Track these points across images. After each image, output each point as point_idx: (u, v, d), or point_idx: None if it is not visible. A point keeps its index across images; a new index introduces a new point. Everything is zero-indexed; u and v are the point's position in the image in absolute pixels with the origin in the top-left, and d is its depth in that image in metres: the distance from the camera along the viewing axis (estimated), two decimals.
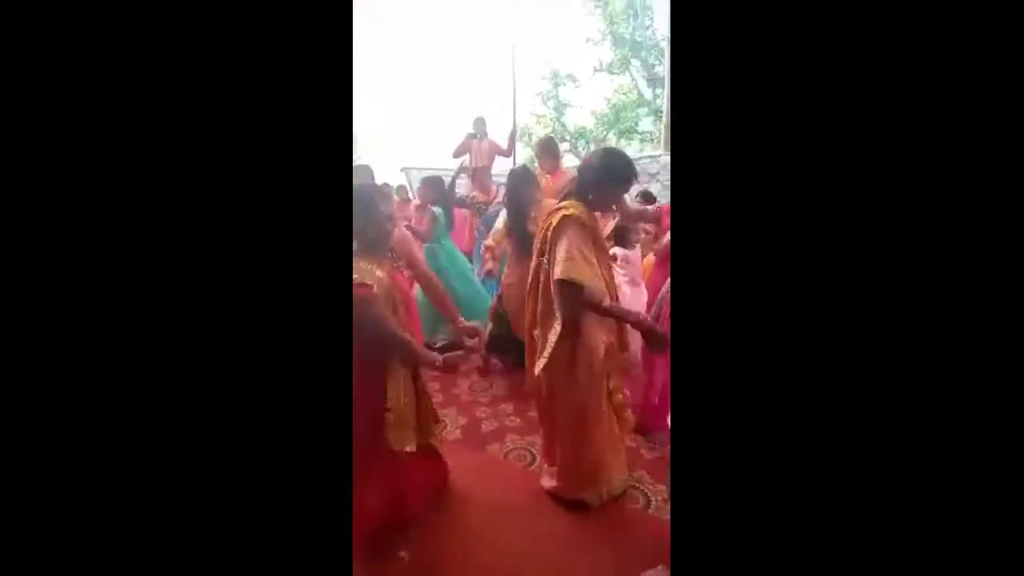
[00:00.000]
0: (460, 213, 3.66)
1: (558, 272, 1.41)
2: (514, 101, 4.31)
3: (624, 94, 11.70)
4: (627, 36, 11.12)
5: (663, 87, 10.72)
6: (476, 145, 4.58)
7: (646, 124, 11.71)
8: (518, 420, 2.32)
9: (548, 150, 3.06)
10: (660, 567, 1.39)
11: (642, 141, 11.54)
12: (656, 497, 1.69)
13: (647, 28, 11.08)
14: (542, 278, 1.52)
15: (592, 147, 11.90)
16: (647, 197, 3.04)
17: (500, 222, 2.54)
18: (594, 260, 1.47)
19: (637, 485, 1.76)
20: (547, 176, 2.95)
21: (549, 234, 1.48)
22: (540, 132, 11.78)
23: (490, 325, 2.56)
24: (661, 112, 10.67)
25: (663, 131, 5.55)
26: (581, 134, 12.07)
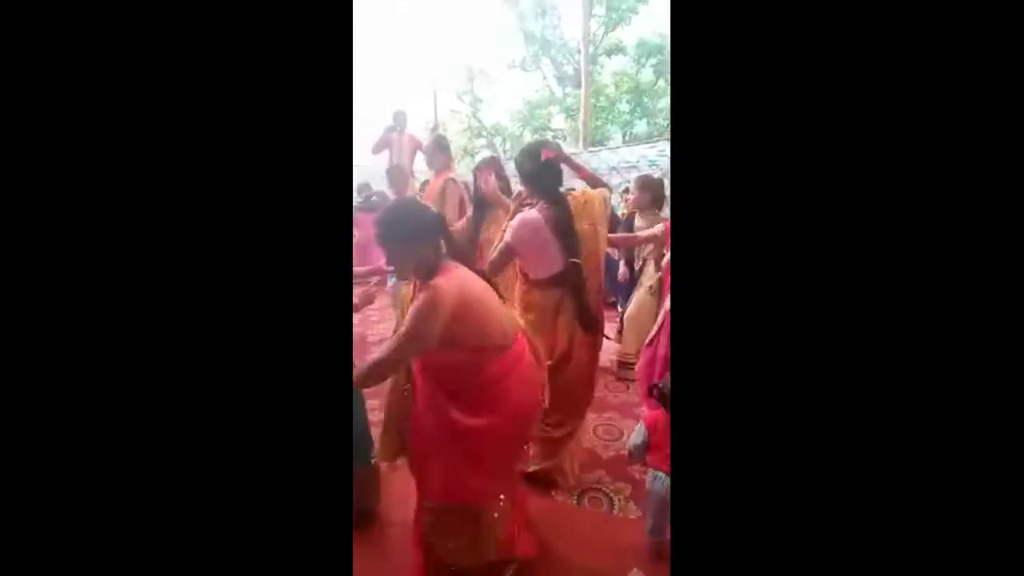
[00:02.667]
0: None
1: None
2: (435, 95, 4.15)
3: (536, 91, 11.92)
4: (537, 35, 11.30)
5: (572, 86, 11.09)
6: (396, 139, 4.36)
7: (558, 122, 12.05)
8: None
9: (440, 147, 2.66)
10: (635, 571, 1.39)
11: (554, 138, 11.85)
12: (618, 497, 1.69)
13: (555, 28, 11.35)
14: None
15: (509, 144, 11.98)
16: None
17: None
18: None
19: (598, 486, 1.75)
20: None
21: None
22: (457, 128, 11.62)
23: None
24: (572, 110, 11.03)
25: (581, 129, 5.70)
26: (497, 130, 12.09)
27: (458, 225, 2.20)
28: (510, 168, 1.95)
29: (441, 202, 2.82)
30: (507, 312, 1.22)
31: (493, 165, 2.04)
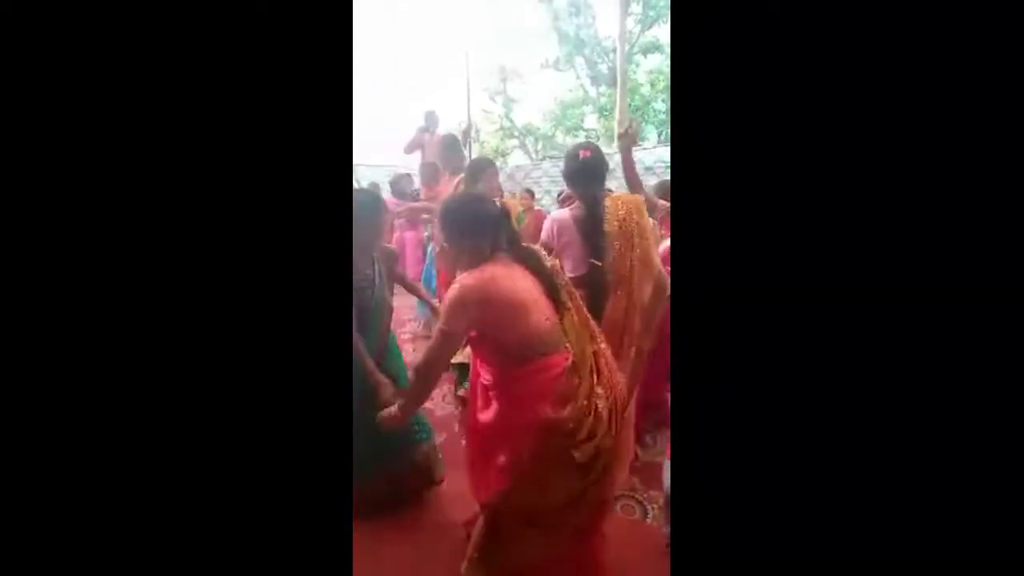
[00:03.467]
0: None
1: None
2: (468, 95, 4.17)
3: (569, 91, 11.82)
4: (571, 34, 11.20)
5: (607, 85, 10.95)
6: (428, 140, 4.38)
7: (590, 122, 11.92)
8: None
9: (448, 147, 2.62)
10: None
11: (587, 138, 11.72)
12: (652, 505, 1.62)
13: (590, 27, 11.22)
14: (635, 280, 1.58)
15: (541, 144, 11.93)
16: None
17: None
18: None
19: (631, 494, 1.68)
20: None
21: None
22: (489, 128, 11.66)
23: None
24: (606, 110, 10.88)
25: (616, 129, 5.60)
26: (529, 130, 12.06)
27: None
28: (543, 169, 2.05)
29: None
30: (555, 324, 1.11)
31: (492, 170, 2.25)
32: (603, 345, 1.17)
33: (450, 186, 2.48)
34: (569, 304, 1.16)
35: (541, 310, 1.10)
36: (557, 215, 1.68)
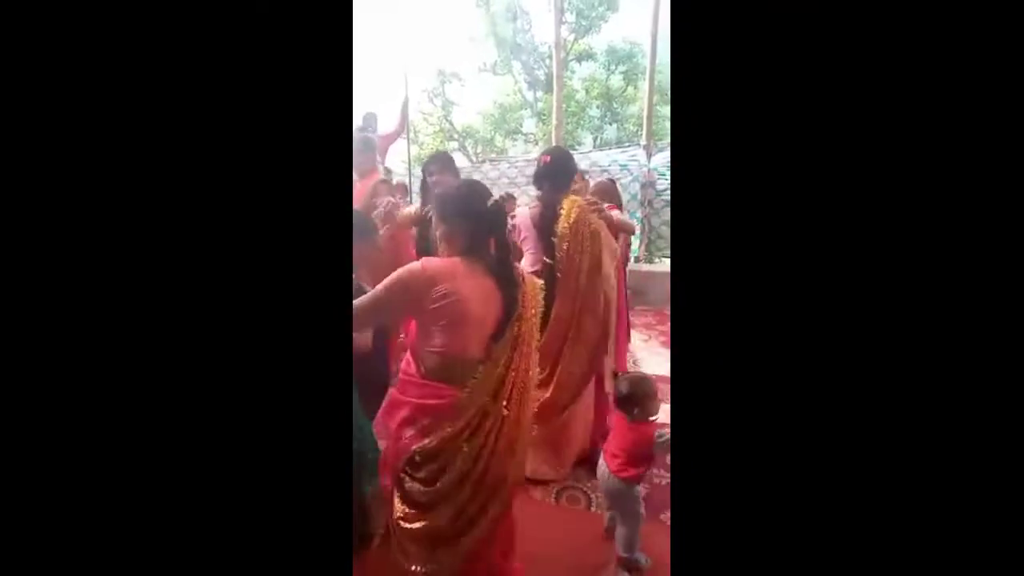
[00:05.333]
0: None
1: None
2: (405, 97, 4.17)
3: (508, 95, 11.94)
4: (508, 39, 11.34)
5: (543, 91, 11.20)
6: (366, 140, 4.30)
7: (529, 125, 12.12)
8: None
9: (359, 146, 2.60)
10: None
11: (526, 142, 11.93)
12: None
13: (527, 32, 11.42)
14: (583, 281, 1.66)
15: (480, 147, 11.96)
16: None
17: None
18: None
19: (576, 484, 1.77)
20: None
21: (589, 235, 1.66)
22: (429, 130, 11.52)
23: None
24: (544, 115, 11.12)
25: (554, 133, 5.75)
26: (468, 133, 12.05)
27: (384, 232, 2.27)
28: (482, 172, 2.06)
29: (371, 205, 2.86)
30: (475, 360, 1.01)
31: (444, 159, 2.11)
32: (506, 413, 1.03)
33: (367, 186, 2.47)
34: (502, 354, 1.03)
35: (477, 340, 1.01)
36: (519, 213, 1.83)
